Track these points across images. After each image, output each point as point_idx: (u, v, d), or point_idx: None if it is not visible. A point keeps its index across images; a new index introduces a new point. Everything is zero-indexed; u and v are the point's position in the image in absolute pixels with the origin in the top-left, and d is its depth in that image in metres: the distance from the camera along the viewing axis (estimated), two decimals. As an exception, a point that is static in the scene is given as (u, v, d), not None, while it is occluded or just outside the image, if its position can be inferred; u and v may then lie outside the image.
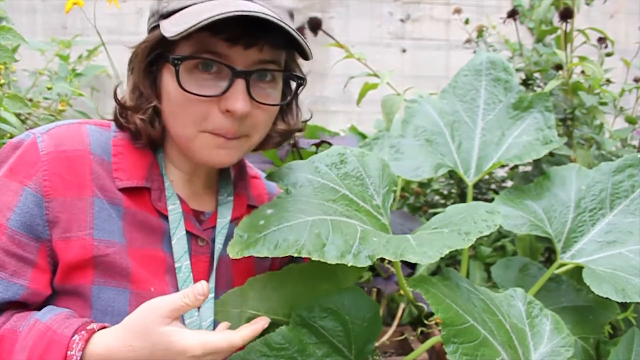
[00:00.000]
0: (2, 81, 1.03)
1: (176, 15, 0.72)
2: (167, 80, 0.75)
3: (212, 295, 0.81)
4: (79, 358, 0.64)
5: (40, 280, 0.72)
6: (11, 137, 1.01)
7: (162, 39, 0.72)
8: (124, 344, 0.65)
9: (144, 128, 0.78)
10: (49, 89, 1.49)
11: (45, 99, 1.52)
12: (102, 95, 2.06)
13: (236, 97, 0.72)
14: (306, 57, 0.76)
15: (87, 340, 0.66)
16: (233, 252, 0.69)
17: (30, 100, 1.42)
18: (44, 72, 1.73)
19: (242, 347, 0.79)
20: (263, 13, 0.68)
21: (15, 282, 0.70)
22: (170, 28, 0.70)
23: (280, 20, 0.69)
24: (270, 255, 0.69)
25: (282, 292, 0.81)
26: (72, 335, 0.66)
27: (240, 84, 0.73)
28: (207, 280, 0.82)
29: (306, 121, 0.92)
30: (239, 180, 0.91)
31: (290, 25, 0.71)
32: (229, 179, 0.90)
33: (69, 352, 0.64)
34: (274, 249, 0.70)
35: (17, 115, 1.04)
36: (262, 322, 0.72)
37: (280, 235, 0.71)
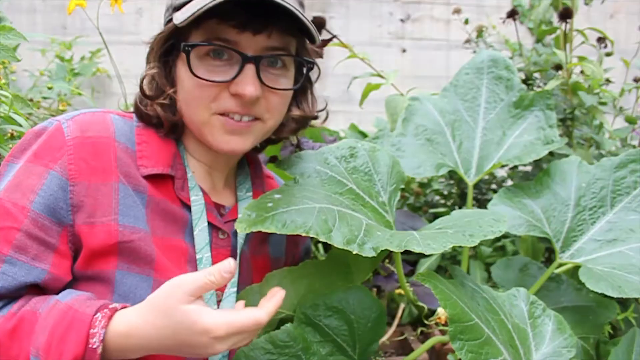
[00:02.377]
0: (3, 81, 1.03)
1: (186, 6, 0.74)
2: (181, 68, 0.78)
3: (234, 289, 0.81)
4: (102, 335, 0.63)
5: (61, 266, 0.71)
6: (12, 136, 1.01)
7: (175, 29, 0.75)
8: (146, 322, 0.64)
9: (164, 115, 0.79)
10: (50, 88, 1.49)
11: (45, 98, 1.52)
12: (102, 95, 2.06)
13: (246, 82, 0.74)
14: (313, 40, 0.78)
15: (109, 318, 0.65)
16: (241, 228, 0.70)
17: (31, 100, 1.42)
18: (44, 73, 1.73)
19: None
20: None
21: (37, 266, 0.70)
22: (180, 16, 0.73)
23: (285, 1, 0.70)
24: (278, 232, 0.70)
25: (298, 288, 0.82)
26: (95, 314, 0.65)
27: (250, 69, 0.75)
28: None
29: (321, 110, 0.93)
30: (255, 177, 0.93)
31: (297, 8, 0.72)
32: (246, 176, 0.92)
33: (91, 331, 0.63)
34: (282, 227, 0.70)
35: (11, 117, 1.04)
36: (280, 294, 0.70)
37: (288, 217, 0.72)
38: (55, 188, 0.71)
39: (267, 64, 0.77)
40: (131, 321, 0.65)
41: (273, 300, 0.69)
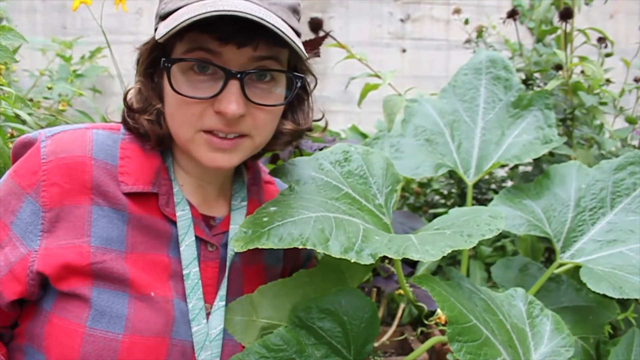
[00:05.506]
0: (3, 81, 1.03)
1: (169, 17, 0.72)
2: (165, 82, 0.75)
3: (222, 303, 0.80)
4: None
5: (9, 285, 0.72)
6: (12, 135, 1.02)
7: (157, 41, 0.72)
8: None
9: (151, 129, 0.77)
10: (50, 88, 1.49)
11: (46, 98, 1.52)
12: (103, 95, 2.06)
13: (229, 100, 0.71)
14: (303, 54, 0.74)
15: None
16: (237, 246, 0.70)
17: (31, 100, 1.42)
18: (44, 73, 1.73)
19: (240, 349, 0.79)
20: (245, 12, 0.66)
21: None
22: (161, 30, 0.70)
23: (262, 19, 0.66)
24: (275, 247, 0.70)
25: (294, 299, 0.81)
26: None
27: (234, 85, 0.71)
28: (218, 286, 0.81)
29: (317, 120, 0.89)
30: (253, 185, 0.90)
31: (279, 24, 0.69)
32: (243, 184, 0.89)
33: None
34: (279, 241, 0.70)
35: (17, 116, 1.04)
36: None
37: (284, 230, 0.72)
38: (29, 213, 0.73)
39: (255, 77, 0.73)
40: None
41: None
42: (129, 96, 0.80)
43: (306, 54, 0.73)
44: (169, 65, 0.72)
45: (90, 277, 0.73)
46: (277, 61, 0.75)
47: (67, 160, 0.74)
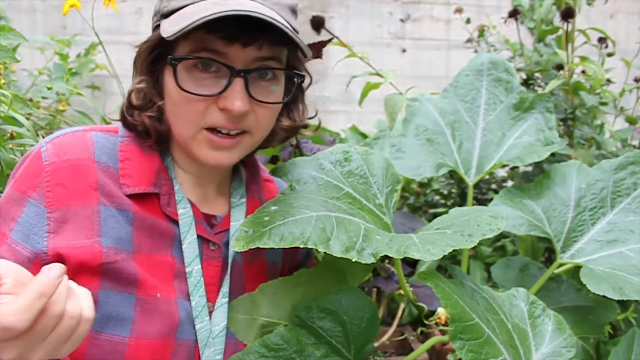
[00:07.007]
0: (3, 81, 1.03)
1: (175, 14, 0.72)
2: (168, 80, 0.76)
3: (225, 300, 0.81)
4: None
5: None
6: (12, 136, 1.01)
7: (162, 38, 0.72)
8: None
9: (152, 125, 0.78)
10: (49, 88, 1.49)
11: (44, 98, 1.52)
12: (102, 94, 2.06)
13: (234, 97, 0.72)
14: (304, 55, 0.75)
15: None
16: (238, 246, 0.70)
17: (30, 100, 1.42)
18: (43, 72, 1.73)
19: (242, 346, 0.79)
20: (257, 12, 0.67)
21: None
22: (168, 28, 0.71)
23: (274, 19, 0.68)
24: (276, 247, 0.70)
25: (294, 297, 0.82)
26: None
27: (238, 83, 0.73)
28: (220, 284, 0.82)
29: (311, 117, 0.91)
30: (252, 183, 0.91)
31: (285, 24, 0.71)
32: (241, 182, 0.90)
33: None
34: (280, 241, 0.70)
35: (14, 118, 1.04)
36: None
37: (285, 229, 0.72)
38: (32, 215, 0.71)
39: (257, 75, 0.75)
40: None
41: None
42: (132, 94, 0.80)
43: (310, 53, 0.75)
44: (176, 63, 0.72)
45: (97, 278, 0.72)
46: (277, 61, 0.76)
47: (71, 162, 0.75)
